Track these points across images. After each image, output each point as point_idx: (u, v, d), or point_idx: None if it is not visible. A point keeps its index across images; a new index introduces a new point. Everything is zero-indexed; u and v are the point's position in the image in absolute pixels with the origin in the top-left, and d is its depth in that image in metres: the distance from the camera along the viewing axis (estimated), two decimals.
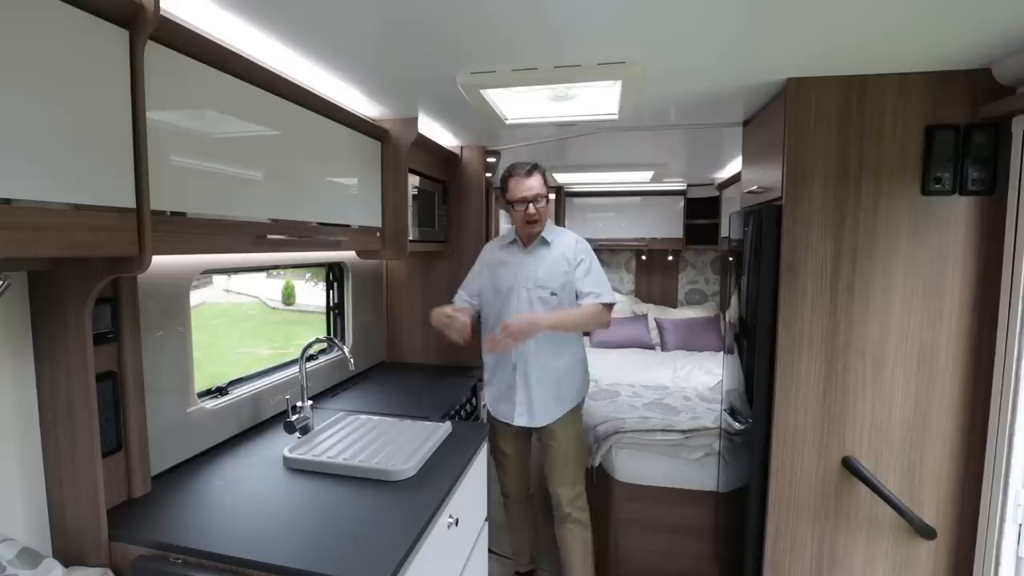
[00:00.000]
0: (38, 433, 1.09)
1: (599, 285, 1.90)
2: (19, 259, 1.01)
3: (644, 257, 4.73)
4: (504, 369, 1.99)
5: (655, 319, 4.38)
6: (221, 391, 1.66)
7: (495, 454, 2.13)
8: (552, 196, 2.05)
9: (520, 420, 1.97)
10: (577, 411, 2.04)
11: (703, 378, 3.32)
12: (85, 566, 1.06)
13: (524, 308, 1.92)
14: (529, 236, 1.97)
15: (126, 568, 1.07)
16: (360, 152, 1.87)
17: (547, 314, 1.87)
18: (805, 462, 1.59)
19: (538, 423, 1.96)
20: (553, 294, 1.92)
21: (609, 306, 1.90)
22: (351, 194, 1.82)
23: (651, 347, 4.20)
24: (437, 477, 1.38)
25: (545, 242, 1.97)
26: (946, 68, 1.40)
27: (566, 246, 1.95)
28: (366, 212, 1.92)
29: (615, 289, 4.69)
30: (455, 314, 1.82)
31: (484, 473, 1.79)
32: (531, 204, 1.87)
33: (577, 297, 1.92)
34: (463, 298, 2.06)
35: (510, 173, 1.90)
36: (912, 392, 1.51)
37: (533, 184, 1.87)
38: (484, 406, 2.42)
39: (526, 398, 1.96)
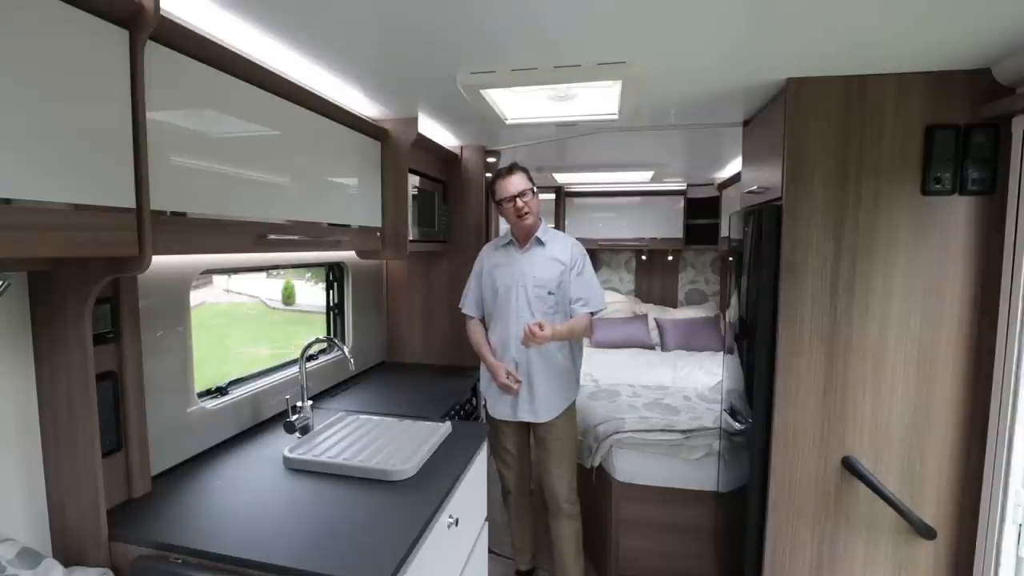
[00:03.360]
0: (38, 433, 1.09)
1: (588, 291, 1.99)
2: (19, 259, 1.01)
3: (644, 257, 4.73)
4: (504, 363, 2.01)
5: (655, 319, 4.38)
6: (221, 391, 1.66)
7: (498, 452, 2.16)
8: (551, 195, 2.03)
9: (524, 416, 2.00)
10: (574, 406, 2.09)
11: (703, 378, 3.32)
12: (85, 566, 1.06)
13: (523, 307, 1.97)
14: (525, 234, 2.01)
15: (126, 568, 1.07)
16: (360, 152, 1.87)
17: (560, 326, 1.90)
18: (805, 462, 1.59)
19: (542, 419, 2.00)
20: (550, 293, 1.97)
21: (597, 312, 1.99)
22: (351, 194, 1.82)
23: (651, 347, 4.19)
24: (437, 477, 1.38)
25: (540, 242, 2.01)
26: (946, 68, 1.40)
27: (561, 248, 2.01)
28: (366, 212, 1.92)
29: (614, 289, 4.74)
30: (509, 376, 1.97)
31: (484, 473, 1.79)
32: (517, 199, 1.92)
33: (570, 301, 1.98)
34: (471, 307, 2.13)
35: (495, 178, 1.99)
36: (912, 392, 1.51)
37: (515, 181, 1.94)
38: (484, 406, 2.42)
39: (529, 395, 1.99)
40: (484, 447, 1.76)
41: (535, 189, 1.99)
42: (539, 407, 1.99)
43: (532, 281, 1.97)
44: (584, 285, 1.99)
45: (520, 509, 2.25)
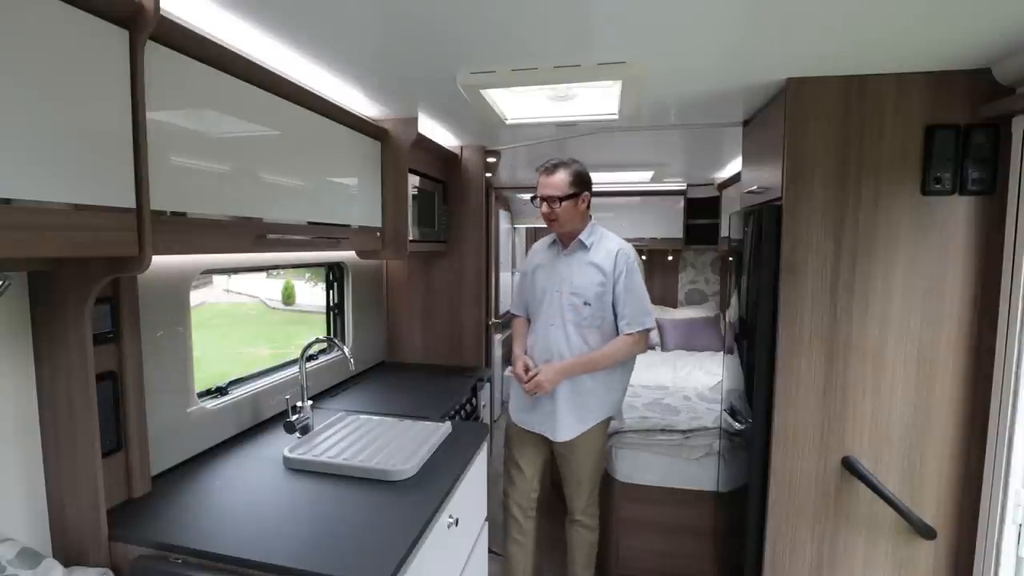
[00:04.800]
0: (38, 433, 1.09)
1: (635, 309, 1.82)
2: (19, 259, 1.01)
3: (644, 257, 4.72)
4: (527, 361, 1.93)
5: (655, 319, 4.38)
6: (221, 391, 1.66)
7: (508, 463, 2.06)
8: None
9: (542, 430, 1.91)
10: (602, 426, 1.93)
11: (703, 378, 3.32)
12: (85, 566, 1.06)
13: (555, 314, 1.86)
14: (566, 237, 1.90)
15: (126, 568, 1.07)
16: (360, 152, 1.87)
17: (575, 360, 1.82)
18: (805, 462, 1.59)
19: (560, 438, 1.88)
20: (587, 304, 1.83)
21: (645, 332, 1.84)
22: (351, 194, 1.82)
23: (651, 347, 4.20)
24: (437, 477, 1.38)
25: (583, 246, 1.87)
26: (946, 68, 1.40)
27: (605, 253, 1.85)
28: (366, 212, 1.92)
29: None
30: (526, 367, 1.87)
31: (484, 473, 1.79)
32: (545, 203, 1.82)
33: (616, 317, 1.85)
34: (517, 307, 2.08)
35: (539, 167, 1.86)
36: (912, 392, 1.51)
37: (553, 181, 1.81)
38: (484, 406, 2.40)
39: (551, 410, 1.87)
40: (484, 447, 1.76)
41: (578, 193, 1.82)
42: (559, 425, 1.86)
43: (568, 288, 1.84)
44: (628, 299, 1.81)
45: (523, 533, 2.03)
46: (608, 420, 1.96)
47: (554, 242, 1.97)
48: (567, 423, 1.87)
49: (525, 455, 1.99)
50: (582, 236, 1.87)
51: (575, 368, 1.82)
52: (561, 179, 1.81)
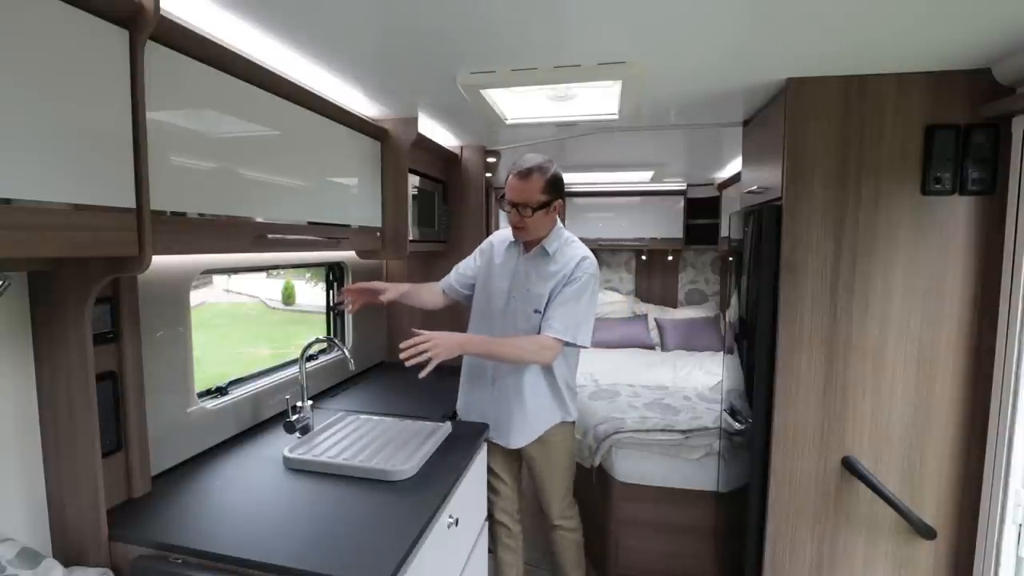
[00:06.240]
0: (38, 433, 1.09)
1: (571, 317, 1.63)
2: (19, 259, 1.01)
3: (644, 257, 4.72)
4: (479, 382, 1.84)
5: (655, 319, 4.38)
6: (221, 391, 1.66)
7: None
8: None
9: (494, 438, 1.81)
10: (562, 429, 1.82)
11: (703, 378, 3.32)
12: (85, 566, 1.06)
13: (508, 320, 1.75)
14: (529, 242, 1.76)
15: (126, 568, 1.07)
16: (360, 152, 1.87)
17: (481, 338, 1.68)
18: (805, 462, 1.59)
19: (513, 444, 1.79)
20: (536, 311, 1.70)
21: (561, 343, 1.63)
22: (351, 194, 1.82)
23: (651, 347, 4.20)
24: (437, 477, 1.38)
25: (545, 252, 1.72)
26: (946, 68, 1.40)
27: (567, 260, 1.70)
28: (366, 212, 1.92)
29: (614, 289, 4.73)
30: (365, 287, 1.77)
31: (484, 473, 1.79)
32: (515, 209, 1.65)
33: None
34: (449, 282, 1.94)
35: (512, 168, 1.68)
36: (912, 392, 1.51)
37: (526, 188, 1.62)
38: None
39: (495, 415, 1.79)
40: (484, 447, 1.76)
41: (550, 202, 1.65)
42: (512, 431, 1.77)
43: (523, 295, 1.72)
44: (571, 306, 1.64)
45: (512, 537, 1.95)
46: (571, 424, 1.86)
47: (515, 242, 1.79)
48: (520, 428, 1.78)
49: (498, 462, 1.89)
50: (545, 243, 1.72)
51: (480, 346, 1.63)
52: (534, 186, 1.62)
